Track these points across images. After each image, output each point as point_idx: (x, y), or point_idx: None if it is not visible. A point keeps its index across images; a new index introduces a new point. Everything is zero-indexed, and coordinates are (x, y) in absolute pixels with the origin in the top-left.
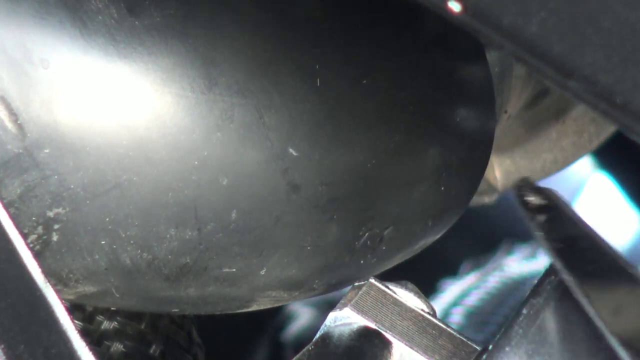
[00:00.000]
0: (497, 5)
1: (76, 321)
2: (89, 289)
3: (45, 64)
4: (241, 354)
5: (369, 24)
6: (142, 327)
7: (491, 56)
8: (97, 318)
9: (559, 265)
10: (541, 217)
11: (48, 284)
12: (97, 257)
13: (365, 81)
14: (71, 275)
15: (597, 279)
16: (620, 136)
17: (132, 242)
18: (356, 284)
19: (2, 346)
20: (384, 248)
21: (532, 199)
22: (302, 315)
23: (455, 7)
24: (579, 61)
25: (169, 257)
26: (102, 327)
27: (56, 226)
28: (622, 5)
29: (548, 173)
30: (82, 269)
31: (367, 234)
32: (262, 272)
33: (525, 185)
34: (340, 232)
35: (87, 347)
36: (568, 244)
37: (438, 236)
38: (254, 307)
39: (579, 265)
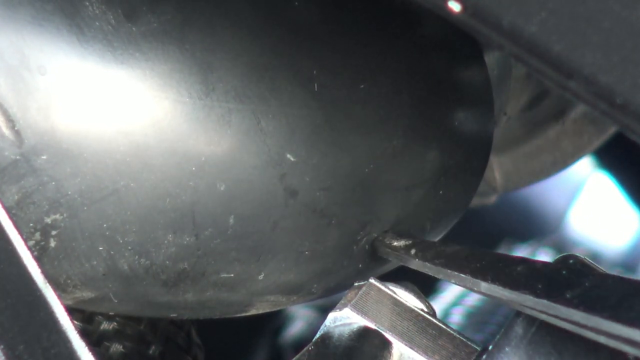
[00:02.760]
0: (497, 5)
1: (76, 322)
2: (87, 294)
3: (42, 70)
4: (241, 354)
5: (367, 29)
6: (142, 327)
7: (490, 58)
8: (97, 319)
9: (446, 274)
10: (412, 252)
11: (48, 284)
12: (95, 263)
13: (362, 86)
14: (69, 281)
15: (482, 273)
16: (620, 136)
17: (130, 248)
18: (356, 284)
19: (2, 346)
20: None
21: (398, 243)
22: (301, 315)
23: (455, 7)
24: (579, 61)
25: (167, 262)
26: (102, 328)
27: (54, 232)
28: (622, 5)
29: (547, 174)
30: (80, 275)
31: (365, 238)
32: (260, 277)
33: (386, 235)
34: (338, 236)
35: (86, 348)
36: (445, 258)
37: (437, 239)
38: (252, 312)
39: (464, 266)
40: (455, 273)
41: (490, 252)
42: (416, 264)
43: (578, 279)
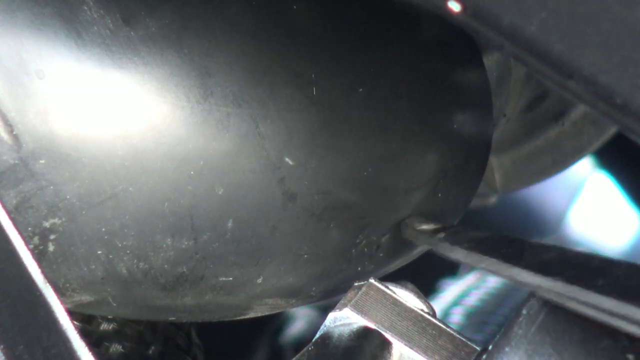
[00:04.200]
0: (497, 5)
1: (76, 322)
2: (86, 298)
3: (40, 74)
4: (241, 354)
5: (365, 33)
6: (141, 328)
7: (489, 60)
8: (97, 319)
9: (475, 258)
10: (440, 235)
11: (48, 284)
12: (93, 267)
13: (361, 89)
14: (68, 285)
15: (513, 258)
16: (620, 136)
17: (128, 251)
18: (356, 284)
19: (2, 346)
20: (381, 255)
21: (426, 227)
22: (301, 315)
23: (455, 7)
24: (578, 61)
25: (166, 266)
26: (101, 328)
27: (52, 236)
28: (622, 5)
29: (547, 175)
30: (79, 279)
31: (364, 242)
32: (259, 281)
33: (414, 220)
34: (337, 240)
35: (86, 348)
36: (475, 242)
37: None
38: (251, 315)
39: (494, 251)
40: (485, 257)
41: (521, 239)
42: (444, 247)
43: (610, 268)
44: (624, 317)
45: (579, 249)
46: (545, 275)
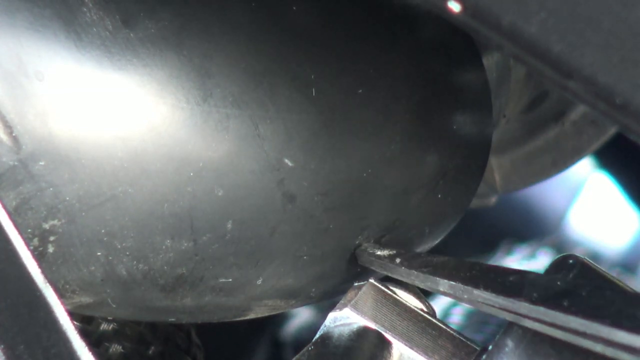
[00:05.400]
0: (497, 5)
1: (75, 322)
2: (86, 299)
3: (39, 76)
4: (241, 354)
5: (365, 34)
6: (141, 328)
7: (489, 61)
8: (96, 319)
9: (435, 282)
10: (397, 260)
11: (48, 284)
12: (93, 268)
13: (360, 91)
14: (67, 287)
15: (473, 282)
16: (620, 136)
17: (127, 253)
18: (356, 284)
19: (2, 346)
20: None
21: (381, 252)
22: (301, 315)
23: (455, 7)
24: (579, 61)
25: (165, 267)
26: (101, 328)
27: (52, 238)
28: (622, 5)
29: (547, 175)
30: (78, 280)
31: (363, 243)
32: (259, 282)
33: (369, 245)
34: (336, 241)
35: (86, 348)
36: (432, 267)
37: (436, 242)
38: (250, 316)
39: (453, 275)
40: (445, 281)
41: (480, 262)
42: (402, 273)
43: (574, 289)
44: (590, 337)
45: (579, 250)
46: (508, 297)
